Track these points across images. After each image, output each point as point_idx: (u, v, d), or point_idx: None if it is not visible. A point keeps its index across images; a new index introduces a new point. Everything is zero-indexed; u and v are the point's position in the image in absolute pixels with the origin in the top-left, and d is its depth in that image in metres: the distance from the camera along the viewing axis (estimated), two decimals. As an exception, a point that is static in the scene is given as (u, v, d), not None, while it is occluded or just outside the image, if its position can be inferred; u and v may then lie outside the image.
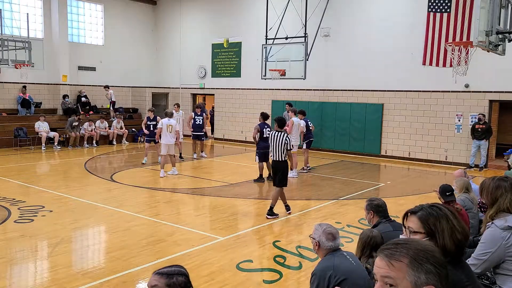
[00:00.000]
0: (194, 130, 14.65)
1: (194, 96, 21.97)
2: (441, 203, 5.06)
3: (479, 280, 3.40)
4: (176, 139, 12.33)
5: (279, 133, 8.10)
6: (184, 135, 16.46)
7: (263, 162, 11.13)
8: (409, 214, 2.15)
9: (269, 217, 7.89)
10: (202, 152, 15.21)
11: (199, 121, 14.64)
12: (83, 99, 19.58)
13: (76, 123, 17.22)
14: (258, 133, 11.02)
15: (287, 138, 8.04)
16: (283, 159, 8.04)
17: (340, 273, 3.27)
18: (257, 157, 11.10)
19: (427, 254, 1.40)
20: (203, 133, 15.02)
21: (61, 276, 5.20)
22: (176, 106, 14.95)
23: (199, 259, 5.80)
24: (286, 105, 15.00)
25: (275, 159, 8.10)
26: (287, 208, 8.23)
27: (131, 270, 5.39)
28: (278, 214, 7.97)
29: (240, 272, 5.41)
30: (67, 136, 17.11)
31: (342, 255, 3.48)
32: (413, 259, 1.38)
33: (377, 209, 4.36)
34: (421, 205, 2.17)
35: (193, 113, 14.86)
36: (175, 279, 2.30)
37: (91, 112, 19.70)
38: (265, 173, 11.29)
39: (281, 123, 8.32)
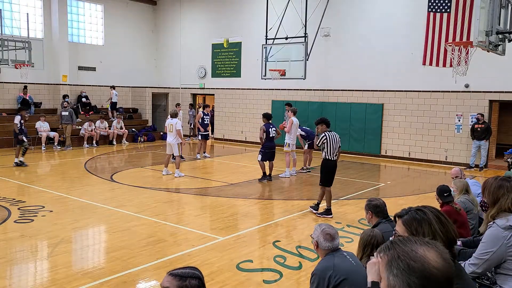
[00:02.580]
0: (204, 129, 14.74)
1: (194, 96, 21.97)
2: (437, 204, 5.09)
3: (479, 280, 3.41)
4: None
5: (333, 132, 8.10)
6: (184, 135, 16.49)
7: (267, 161, 11.15)
8: (396, 218, 2.18)
9: (325, 216, 8.02)
10: (204, 152, 15.26)
11: (207, 121, 14.80)
12: (84, 99, 19.60)
13: (66, 113, 16.52)
14: (264, 134, 11.03)
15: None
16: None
17: (340, 273, 3.27)
18: (260, 155, 11.10)
19: (401, 259, 1.40)
20: (208, 132, 15.14)
21: (61, 276, 5.20)
22: (177, 105, 15.37)
23: (199, 259, 5.79)
24: (286, 105, 14.89)
25: (331, 158, 7.99)
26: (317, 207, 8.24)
27: (131, 270, 5.39)
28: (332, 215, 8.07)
29: (240, 272, 5.41)
30: (64, 136, 16.95)
31: (342, 255, 3.48)
32: (389, 260, 1.43)
33: (376, 209, 4.37)
34: (408, 208, 2.19)
35: (201, 112, 14.90)
36: (187, 282, 2.23)
37: (91, 112, 19.71)
38: (267, 172, 11.28)
39: (329, 123, 8.24)
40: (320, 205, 8.19)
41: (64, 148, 16.66)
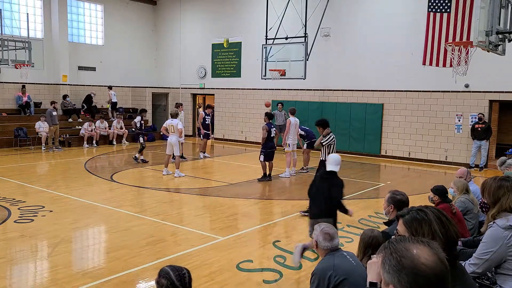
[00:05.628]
0: (205, 129, 14.79)
1: (194, 96, 21.96)
2: (433, 205, 5.11)
3: (479, 280, 3.41)
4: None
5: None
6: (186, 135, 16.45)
7: (268, 161, 11.16)
8: (399, 217, 2.19)
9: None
10: (204, 152, 15.28)
11: (208, 121, 14.88)
12: (93, 99, 19.42)
13: (55, 113, 16.09)
14: (267, 134, 11.06)
15: None
16: None
17: (340, 273, 3.27)
18: (262, 155, 11.11)
19: (393, 257, 1.44)
20: (209, 132, 15.21)
21: (61, 276, 5.20)
22: (181, 106, 15.35)
23: (199, 259, 5.80)
24: (279, 104, 15.80)
25: None
26: None
27: (131, 270, 5.39)
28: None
29: (240, 272, 5.41)
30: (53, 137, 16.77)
31: (342, 255, 3.48)
32: (383, 258, 1.48)
33: (399, 204, 4.27)
34: (410, 208, 2.20)
35: (203, 113, 14.96)
36: (158, 278, 2.60)
37: (103, 112, 19.75)
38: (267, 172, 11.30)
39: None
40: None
41: (57, 149, 16.16)
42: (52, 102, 16.64)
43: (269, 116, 11.34)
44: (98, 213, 8.08)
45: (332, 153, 8.05)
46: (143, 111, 14.54)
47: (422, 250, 1.44)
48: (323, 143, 7.99)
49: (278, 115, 15.53)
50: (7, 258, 5.80)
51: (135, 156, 13.77)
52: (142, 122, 13.93)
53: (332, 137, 8.05)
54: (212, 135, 20.59)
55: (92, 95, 19.36)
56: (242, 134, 19.65)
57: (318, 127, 8.18)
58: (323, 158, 8.04)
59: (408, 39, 14.84)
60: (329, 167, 5.94)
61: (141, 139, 13.60)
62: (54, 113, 16.22)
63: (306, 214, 7.90)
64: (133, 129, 14.14)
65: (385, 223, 4.31)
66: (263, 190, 10.48)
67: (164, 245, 6.35)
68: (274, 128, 11.33)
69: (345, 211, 5.71)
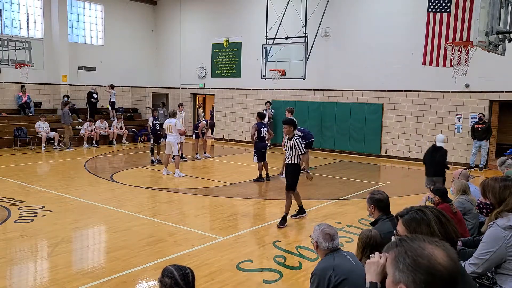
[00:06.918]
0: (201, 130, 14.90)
1: (194, 96, 21.96)
2: (433, 205, 5.12)
3: (479, 280, 3.41)
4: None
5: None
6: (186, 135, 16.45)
7: (262, 162, 11.14)
8: (398, 217, 2.20)
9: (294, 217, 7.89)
10: (204, 152, 15.29)
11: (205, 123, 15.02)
12: (95, 95, 19.23)
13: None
14: (256, 133, 11.03)
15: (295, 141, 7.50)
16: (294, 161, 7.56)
17: (340, 273, 3.27)
18: (255, 157, 11.10)
19: (408, 255, 1.43)
20: (204, 132, 15.26)
21: (61, 276, 5.20)
22: (180, 106, 15.35)
23: (199, 259, 5.80)
24: (267, 103, 16.46)
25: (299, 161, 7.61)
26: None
27: (131, 270, 5.39)
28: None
29: (240, 272, 5.41)
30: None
31: (342, 255, 3.48)
32: (395, 256, 1.47)
33: (379, 204, 4.27)
34: (410, 208, 2.20)
35: (204, 122, 15.12)
36: (163, 278, 2.61)
37: (103, 112, 19.74)
38: (264, 173, 11.29)
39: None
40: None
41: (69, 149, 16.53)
42: (67, 103, 16.89)
43: (261, 116, 11.34)
44: (98, 213, 8.08)
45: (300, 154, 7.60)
46: (153, 109, 14.46)
47: (437, 250, 1.44)
48: (304, 152, 7.46)
49: (265, 113, 15.72)
50: (7, 258, 5.80)
51: (152, 158, 13.83)
52: (156, 123, 13.91)
53: (297, 138, 7.48)
54: (212, 135, 20.62)
55: (92, 90, 19.22)
56: (242, 134, 19.65)
57: (288, 125, 7.58)
58: (291, 161, 7.52)
59: (408, 39, 14.84)
60: (437, 144, 9.13)
61: (151, 140, 13.70)
62: (69, 113, 16.63)
63: (298, 217, 7.93)
64: (152, 133, 13.99)
65: (371, 224, 4.32)
66: (263, 190, 10.49)
67: (164, 245, 6.35)
68: (265, 129, 11.20)
69: (447, 168, 9.18)
